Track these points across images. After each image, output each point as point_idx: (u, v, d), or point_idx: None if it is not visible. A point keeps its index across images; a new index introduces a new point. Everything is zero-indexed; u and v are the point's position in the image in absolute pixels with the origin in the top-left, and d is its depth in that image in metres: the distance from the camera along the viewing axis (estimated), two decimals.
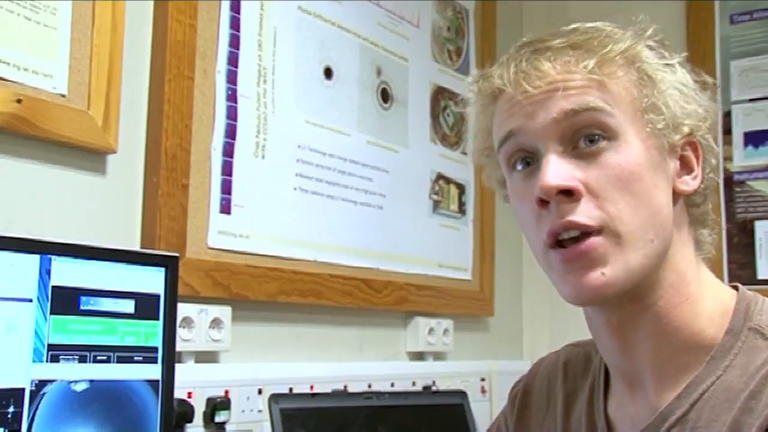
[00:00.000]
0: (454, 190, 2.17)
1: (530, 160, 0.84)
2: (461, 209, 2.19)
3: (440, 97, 2.15)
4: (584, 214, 0.79)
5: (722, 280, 2.29)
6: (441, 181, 2.13)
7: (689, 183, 0.86)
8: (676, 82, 0.85)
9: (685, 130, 0.84)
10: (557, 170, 0.80)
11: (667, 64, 0.86)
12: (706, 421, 0.80)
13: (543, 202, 0.81)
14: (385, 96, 1.96)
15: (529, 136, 0.83)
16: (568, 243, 0.80)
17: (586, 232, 0.79)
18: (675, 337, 0.84)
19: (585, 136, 0.81)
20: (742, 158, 2.21)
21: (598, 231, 0.79)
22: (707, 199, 0.89)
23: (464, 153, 2.22)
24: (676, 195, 0.85)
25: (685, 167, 0.86)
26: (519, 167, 0.85)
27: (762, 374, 0.79)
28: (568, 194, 0.80)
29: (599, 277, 0.79)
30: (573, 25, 0.88)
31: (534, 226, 0.83)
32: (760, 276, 2.17)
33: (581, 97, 0.81)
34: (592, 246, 0.79)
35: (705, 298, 0.86)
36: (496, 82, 0.85)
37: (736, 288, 0.90)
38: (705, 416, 0.81)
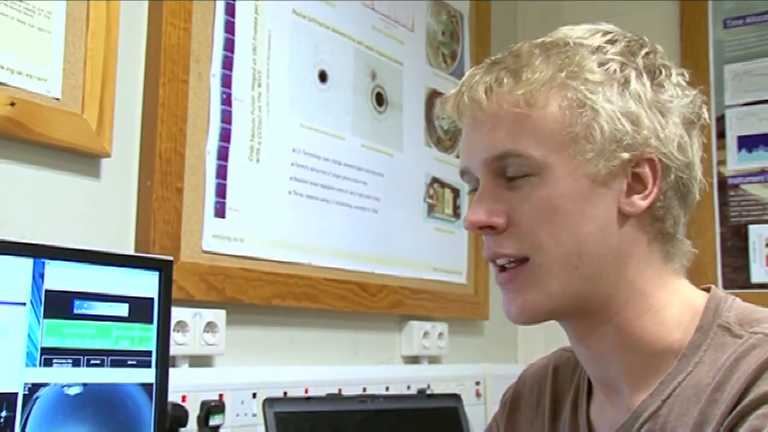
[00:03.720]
0: (448, 194, 2.17)
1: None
2: (456, 213, 2.19)
3: (435, 100, 2.15)
4: (508, 245, 0.86)
5: (716, 283, 2.30)
6: (436, 185, 2.13)
7: (636, 203, 0.85)
8: (620, 104, 0.84)
9: (624, 156, 0.83)
10: (480, 207, 0.86)
11: (618, 81, 0.84)
12: (676, 416, 0.82)
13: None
14: (380, 100, 1.97)
15: (473, 171, 0.90)
16: (502, 269, 0.87)
17: (513, 261, 0.86)
18: (640, 347, 0.86)
19: (512, 172, 0.86)
20: (736, 162, 2.22)
21: (523, 259, 0.85)
22: (669, 215, 0.87)
23: (459, 157, 2.22)
24: (624, 216, 0.85)
25: (640, 184, 0.85)
26: (476, 190, 0.91)
27: (726, 367, 0.80)
28: (491, 228, 0.86)
29: (522, 303, 0.86)
30: (536, 41, 0.90)
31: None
32: (754, 279, 2.17)
33: (503, 141, 0.85)
34: (511, 277, 0.86)
35: (672, 305, 0.86)
36: (448, 111, 0.92)
37: (709, 290, 0.90)
38: (675, 411, 0.82)
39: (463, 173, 0.92)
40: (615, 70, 0.85)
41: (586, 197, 0.84)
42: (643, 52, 0.88)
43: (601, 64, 0.85)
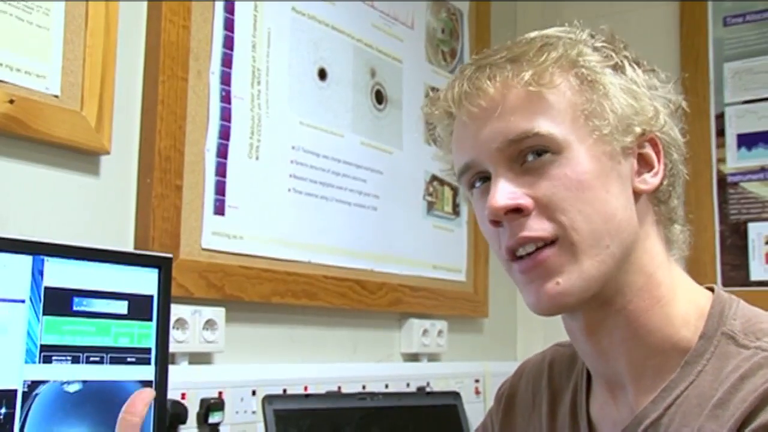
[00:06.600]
0: (448, 192, 2.17)
1: (486, 177, 0.87)
2: (455, 211, 2.19)
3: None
4: (537, 227, 0.82)
5: (715, 281, 2.29)
6: (435, 183, 2.13)
7: (648, 181, 0.86)
8: (622, 83, 0.85)
9: (637, 131, 0.84)
10: (503, 191, 0.82)
11: (614, 65, 0.86)
12: (677, 426, 0.81)
13: (495, 222, 0.84)
14: (379, 97, 1.97)
15: (481, 162, 0.86)
16: (525, 256, 0.83)
17: (540, 246, 0.82)
18: (648, 341, 0.85)
19: (529, 154, 0.83)
20: (735, 160, 2.22)
21: (552, 241, 0.82)
22: (673, 195, 0.88)
23: None
24: (637, 194, 0.86)
25: (645, 165, 0.87)
26: (477, 184, 0.88)
27: (731, 382, 0.79)
28: (518, 211, 0.82)
29: (554, 286, 0.82)
30: (519, 38, 0.90)
31: (496, 241, 0.86)
32: (753, 278, 2.17)
33: (519, 123, 0.83)
34: (545, 257, 0.82)
35: (678, 300, 0.86)
36: (442, 104, 0.89)
37: (712, 290, 0.89)
38: (677, 421, 0.82)
39: (465, 170, 0.89)
40: (610, 56, 0.86)
41: (606, 174, 0.83)
42: (622, 45, 0.89)
43: (595, 50, 0.86)
